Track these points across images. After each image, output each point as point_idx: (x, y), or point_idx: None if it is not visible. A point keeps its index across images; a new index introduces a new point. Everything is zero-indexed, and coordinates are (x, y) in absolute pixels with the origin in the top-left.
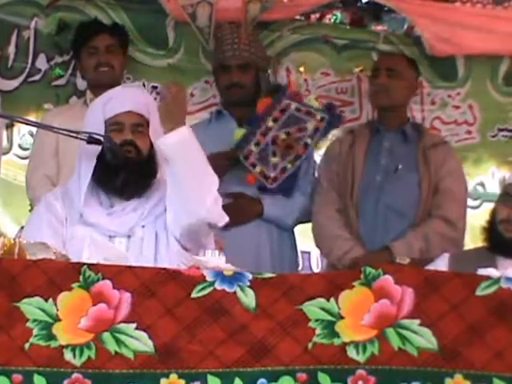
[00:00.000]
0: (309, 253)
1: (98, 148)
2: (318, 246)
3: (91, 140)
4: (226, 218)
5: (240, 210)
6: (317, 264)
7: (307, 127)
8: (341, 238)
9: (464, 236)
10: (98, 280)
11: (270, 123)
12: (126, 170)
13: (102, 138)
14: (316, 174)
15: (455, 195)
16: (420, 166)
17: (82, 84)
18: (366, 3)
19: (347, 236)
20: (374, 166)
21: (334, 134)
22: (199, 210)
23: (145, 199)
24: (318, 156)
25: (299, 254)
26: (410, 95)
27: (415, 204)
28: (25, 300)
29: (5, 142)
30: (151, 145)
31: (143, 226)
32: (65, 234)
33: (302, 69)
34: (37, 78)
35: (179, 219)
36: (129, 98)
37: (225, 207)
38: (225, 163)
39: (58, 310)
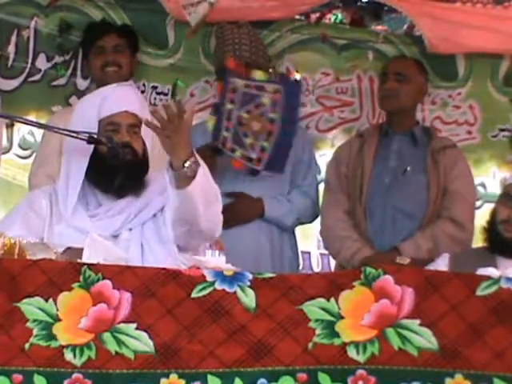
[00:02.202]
0: (309, 253)
1: (89, 147)
2: (326, 247)
3: (92, 140)
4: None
5: (241, 209)
6: (317, 264)
7: (263, 102)
8: (349, 238)
9: (472, 238)
10: (98, 280)
11: (229, 106)
12: (124, 172)
13: (103, 139)
14: (319, 177)
15: (464, 197)
16: (429, 168)
17: (81, 84)
18: (366, 3)
19: (355, 237)
20: (382, 168)
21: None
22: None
23: (131, 202)
24: (318, 156)
25: (300, 255)
26: (419, 99)
27: (423, 206)
28: (25, 300)
29: (5, 142)
30: (144, 144)
31: (130, 229)
32: (46, 232)
33: (298, 72)
34: (37, 77)
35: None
36: (124, 97)
37: (225, 207)
38: (208, 156)
39: (58, 310)
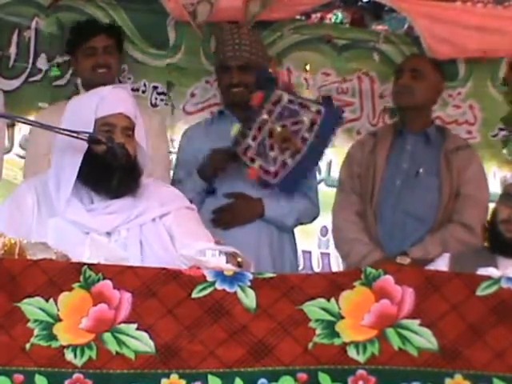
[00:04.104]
0: (310, 252)
1: (82, 144)
2: (336, 248)
3: (92, 140)
4: None
5: (240, 210)
6: (317, 263)
7: (303, 120)
8: (359, 242)
9: (483, 241)
10: (98, 280)
11: (265, 116)
12: (121, 172)
13: (103, 138)
14: (318, 176)
15: (476, 200)
16: (441, 170)
17: None
18: (367, 3)
19: (366, 240)
20: (394, 170)
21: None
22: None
23: (130, 202)
24: None
25: (300, 255)
26: (434, 97)
27: (434, 209)
28: (25, 300)
29: (6, 142)
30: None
31: (128, 230)
32: (36, 226)
33: (307, 67)
34: (37, 77)
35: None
36: (120, 99)
37: (225, 207)
38: (224, 159)
39: (58, 310)
